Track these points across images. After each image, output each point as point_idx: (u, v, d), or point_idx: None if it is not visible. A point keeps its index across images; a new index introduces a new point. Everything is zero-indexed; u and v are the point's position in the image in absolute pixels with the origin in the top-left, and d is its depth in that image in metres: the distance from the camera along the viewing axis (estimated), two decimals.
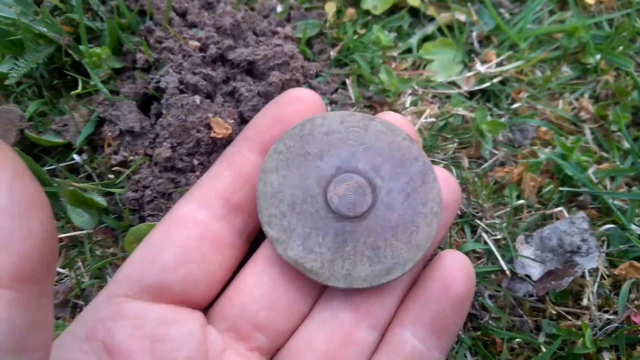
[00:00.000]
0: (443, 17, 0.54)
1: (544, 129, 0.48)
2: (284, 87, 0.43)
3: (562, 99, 0.51)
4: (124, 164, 0.41)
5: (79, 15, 0.43)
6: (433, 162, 0.45)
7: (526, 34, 0.53)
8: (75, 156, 0.42)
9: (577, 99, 0.51)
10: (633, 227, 0.42)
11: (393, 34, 0.53)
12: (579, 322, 0.39)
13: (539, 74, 0.53)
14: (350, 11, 0.53)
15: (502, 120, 0.48)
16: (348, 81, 0.49)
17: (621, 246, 0.42)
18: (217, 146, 0.40)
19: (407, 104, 0.48)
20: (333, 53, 0.51)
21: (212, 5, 0.49)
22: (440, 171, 0.32)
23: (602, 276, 0.41)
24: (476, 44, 0.54)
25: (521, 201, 0.44)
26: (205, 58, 0.44)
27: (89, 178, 0.43)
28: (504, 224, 0.43)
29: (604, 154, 0.48)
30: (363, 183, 0.31)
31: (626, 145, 0.48)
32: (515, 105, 0.50)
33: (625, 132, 0.47)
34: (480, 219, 0.43)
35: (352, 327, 0.30)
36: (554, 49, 0.53)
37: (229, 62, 0.44)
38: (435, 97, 0.50)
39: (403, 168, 0.31)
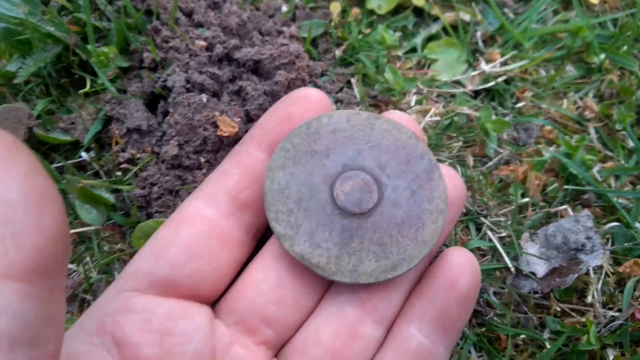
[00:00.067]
0: (447, 17, 0.54)
1: (548, 127, 0.49)
2: (289, 86, 0.43)
3: (566, 98, 0.51)
4: (132, 161, 0.42)
5: (86, 15, 0.44)
6: (438, 160, 0.45)
7: (530, 34, 0.53)
8: (83, 154, 0.43)
9: (581, 98, 0.51)
10: (637, 225, 0.43)
11: (398, 34, 0.53)
12: (583, 319, 0.39)
13: (543, 73, 0.53)
14: (355, 11, 0.54)
15: (507, 119, 0.49)
16: (353, 80, 0.49)
17: (626, 244, 0.42)
18: (224, 144, 0.41)
19: (412, 103, 0.49)
20: (338, 52, 0.51)
21: (218, 5, 0.50)
22: (445, 169, 0.32)
23: (606, 274, 0.41)
24: (480, 44, 0.54)
25: (526, 199, 0.44)
26: (211, 57, 0.44)
27: (96, 175, 0.43)
28: (509, 222, 0.43)
29: (609, 153, 0.48)
30: (369, 180, 0.31)
31: (631, 144, 0.48)
32: (519, 105, 0.50)
33: (629, 131, 0.47)
34: (485, 216, 0.43)
35: (358, 322, 0.30)
36: (558, 48, 0.53)
37: (235, 61, 0.44)
38: (440, 96, 0.50)
39: (409, 166, 0.31)
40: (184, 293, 0.30)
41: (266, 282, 0.31)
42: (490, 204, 0.44)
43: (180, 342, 0.28)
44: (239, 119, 0.41)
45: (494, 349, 0.39)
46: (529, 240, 0.42)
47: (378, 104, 0.48)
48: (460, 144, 0.47)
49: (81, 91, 0.43)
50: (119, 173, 0.42)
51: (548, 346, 0.38)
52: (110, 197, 0.40)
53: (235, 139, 0.40)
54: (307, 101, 0.32)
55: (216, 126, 0.40)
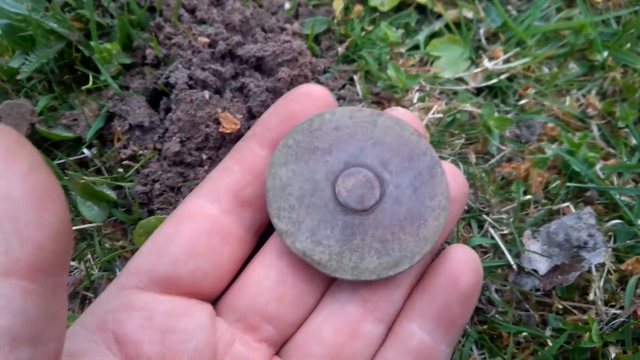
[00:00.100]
0: (450, 14, 0.54)
1: (551, 125, 0.49)
2: (292, 83, 0.43)
3: (569, 95, 0.51)
4: (134, 158, 0.42)
5: (89, 12, 0.44)
6: (440, 157, 0.45)
7: (533, 31, 0.53)
8: (85, 150, 0.43)
9: (584, 96, 0.51)
10: None
11: (400, 31, 0.53)
12: (585, 317, 0.39)
13: (546, 70, 0.53)
14: (358, 8, 0.53)
15: (509, 116, 0.49)
16: (356, 77, 0.49)
17: (628, 241, 0.42)
18: (226, 141, 0.41)
19: (415, 100, 0.49)
20: (341, 49, 0.51)
21: (221, 2, 0.50)
22: (447, 166, 0.32)
23: (608, 271, 0.41)
24: (483, 41, 0.54)
25: (528, 196, 0.44)
26: (214, 54, 0.44)
27: (98, 172, 0.43)
28: (511, 219, 0.43)
29: (611, 150, 0.48)
30: (371, 177, 0.31)
31: (633, 141, 0.48)
32: (522, 102, 0.50)
33: (632, 129, 0.47)
34: (487, 214, 0.43)
35: (360, 319, 0.30)
36: (561, 45, 0.53)
37: (238, 58, 0.44)
38: (443, 93, 0.50)
39: (411, 162, 0.31)
40: (185, 290, 0.30)
41: (267, 279, 0.31)
42: (493, 202, 0.44)
43: (181, 339, 0.28)
44: (241, 116, 0.41)
45: (496, 346, 0.39)
46: (531, 237, 0.42)
47: (380, 101, 0.48)
48: (462, 141, 0.47)
49: (84, 87, 0.44)
50: (120, 170, 0.42)
51: (550, 344, 0.38)
52: (112, 194, 0.40)
53: (237, 136, 0.40)
54: (310, 98, 0.32)
55: (218, 123, 0.40)
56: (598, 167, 0.46)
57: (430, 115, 0.47)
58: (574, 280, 0.39)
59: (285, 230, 0.30)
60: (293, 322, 0.31)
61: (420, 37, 0.53)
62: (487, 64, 0.51)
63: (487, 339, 0.39)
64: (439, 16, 0.55)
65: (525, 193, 0.45)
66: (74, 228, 0.40)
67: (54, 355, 0.19)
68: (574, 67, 0.53)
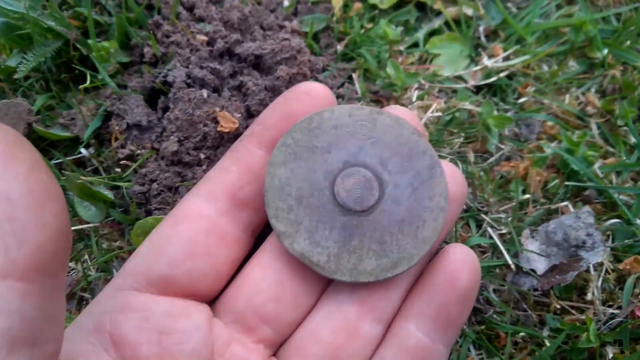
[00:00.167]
0: (450, 11, 0.54)
1: (550, 123, 0.48)
2: (291, 81, 0.43)
3: (568, 93, 0.51)
4: (131, 157, 0.42)
5: (87, 10, 0.43)
6: (439, 156, 0.45)
7: (533, 28, 0.53)
8: (82, 150, 0.42)
9: (583, 94, 0.51)
10: (638, 221, 0.42)
11: (400, 28, 0.53)
12: (583, 317, 0.39)
13: (545, 68, 0.53)
14: (357, 5, 0.53)
15: (509, 114, 0.48)
16: (355, 75, 0.49)
17: (626, 241, 0.42)
18: (224, 140, 0.41)
19: (414, 99, 0.49)
20: (340, 47, 0.51)
21: (220, 0, 0.49)
22: (446, 165, 0.32)
23: (606, 271, 0.41)
24: (483, 38, 0.54)
25: (527, 196, 0.44)
26: (212, 52, 0.44)
27: (96, 172, 0.43)
28: (510, 219, 0.43)
29: (610, 149, 0.48)
30: (370, 177, 0.31)
31: (632, 140, 0.48)
32: (521, 100, 0.50)
33: (631, 127, 0.47)
34: (486, 213, 0.43)
35: (358, 320, 0.30)
36: (561, 43, 0.53)
37: (236, 56, 0.44)
38: (442, 91, 0.50)
39: (410, 162, 0.31)
40: (183, 291, 0.30)
41: (265, 280, 0.31)
42: (491, 201, 0.44)
43: (178, 340, 0.28)
44: (240, 115, 0.41)
45: (494, 346, 0.39)
46: (529, 237, 0.42)
47: (379, 100, 0.48)
48: (461, 139, 0.47)
49: (81, 86, 0.43)
50: (118, 169, 0.42)
51: (547, 344, 0.38)
52: (109, 194, 0.40)
53: (235, 135, 0.40)
54: (309, 96, 0.32)
55: (216, 122, 0.40)
56: (597, 165, 0.46)
57: (429, 113, 0.47)
58: (572, 280, 0.39)
59: (284, 232, 0.30)
60: (291, 323, 0.31)
61: (420, 35, 0.53)
62: (486, 61, 0.51)
63: (485, 339, 0.39)
64: (438, 13, 0.55)
65: (524, 192, 0.44)
66: (71, 228, 0.40)
67: (52, 356, 0.19)
68: (573, 65, 0.53)
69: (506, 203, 0.44)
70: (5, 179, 0.17)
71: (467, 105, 0.48)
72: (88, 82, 0.44)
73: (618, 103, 0.49)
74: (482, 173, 0.45)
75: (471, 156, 0.46)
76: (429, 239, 0.30)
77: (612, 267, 0.41)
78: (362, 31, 0.52)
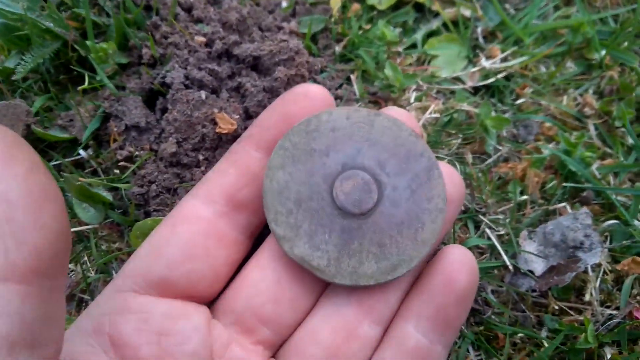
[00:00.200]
0: (448, 13, 0.54)
1: (548, 124, 0.49)
2: (289, 82, 0.43)
3: (566, 94, 0.51)
4: (130, 159, 0.42)
5: (85, 11, 0.43)
6: (437, 157, 0.45)
7: (531, 30, 0.53)
8: (81, 151, 0.42)
9: (581, 95, 0.51)
10: (636, 222, 0.43)
11: (398, 29, 0.53)
12: (581, 317, 0.40)
13: (543, 69, 0.53)
14: (355, 6, 0.53)
15: (506, 115, 0.48)
16: (353, 76, 0.49)
17: (624, 242, 0.42)
18: (223, 141, 0.41)
19: (412, 100, 0.49)
20: (338, 48, 0.51)
21: (218, 1, 0.49)
22: (444, 167, 0.32)
23: (604, 271, 0.41)
24: (481, 40, 0.54)
25: (525, 197, 0.44)
26: (210, 53, 0.44)
27: (94, 173, 0.43)
28: (508, 220, 0.43)
29: (608, 150, 0.48)
30: (369, 180, 0.31)
31: (630, 141, 0.48)
32: (519, 101, 0.50)
33: (629, 128, 0.47)
34: (484, 214, 0.43)
35: (356, 321, 0.30)
36: (559, 44, 0.53)
37: (235, 57, 0.44)
38: (440, 92, 0.50)
39: (408, 164, 0.31)
40: (182, 293, 0.30)
41: (263, 281, 0.31)
42: (489, 202, 0.44)
43: (177, 342, 0.28)
44: (238, 116, 0.41)
45: (492, 347, 0.39)
46: (527, 238, 0.42)
47: (378, 101, 0.48)
48: (459, 141, 0.47)
49: (79, 88, 0.43)
50: (117, 171, 0.42)
51: (546, 344, 0.39)
52: (108, 196, 0.40)
53: (234, 136, 0.40)
54: (307, 98, 0.32)
55: (215, 123, 0.40)
56: (594, 166, 0.46)
57: (427, 114, 0.47)
58: (570, 281, 0.39)
59: (283, 236, 0.30)
60: (289, 324, 0.31)
61: (418, 36, 0.53)
62: (484, 63, 0.51)
63: (484, 340, 0.39)
64: (436, 15, 0.55)
65: (522, 193, 0.45)
66: (71, 230, 0.40)
67: (52, 358, 0.19)
68: (571, 66, 0.53)
69: (504, 204, 0.44)
70: (4, 181, 0.17)
71: (465, 107, 0.48)
72: (86, 83, 0.44)
73: (616, 104, 0.49)
74: (480, 174, 0.45)
75: (469, 157, 0.46)
76: (428, 241, 0.30)
77: (610, 268, 0.42)
78: (361, 32, 0.52)
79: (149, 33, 0.45)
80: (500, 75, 0.51)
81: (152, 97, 0.44)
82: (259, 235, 0.34)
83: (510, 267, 0.41)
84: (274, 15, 0.50)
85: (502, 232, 0.43)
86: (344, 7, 0.53)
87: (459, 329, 0.31)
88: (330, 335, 0.30)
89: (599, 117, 0.50)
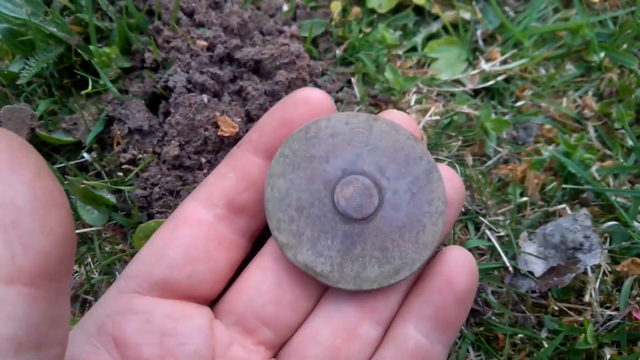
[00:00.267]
0: (448, 16, 0.54)
1: (547, 126, 0.49)
2: (290, 85, 0.43)
3: (566, 96, 0.51)
4: (133, 162, 0.42)
5: (88, 16, 0.44)
6: (437, 159, 0.45)
7: (530, 32, 0.53)
8: (85, 154, 0.43)
9: (580, 97, 0.51)
10: (636, 224, 0.43)
11: (398, 33, 0.54)
12: (581, 318, 0.40)
13: (543, 72, 0.53)
14: (356, 10, 0.54)
15: (506, 118, 0.49)
16: (353, 80, 0.50)
17: (623, 243, 0.42)
18: (225, 144, 0.41)
19: (412, 102, 0.49)
20: (339, 52, 0.51)
21: (220, 5, 0.50)
22: (444, 169, 0.32)
23: (604, 273, 0.42)
24: (481, 42, 0.54)
25: (524, 198, 0.45)
26: (212, 57, 0.44)
27: (98, 176, 0.43)
28: (508, 221, 0.43)
29: (607, 152, 0.48)
30: (369, 184, 0.31)
31: (629, 142, 0.48)
32: (519, 103, 0.50)
33: (628, 130, 0.47)
34: (484, 216, 0.44)
35: (357, 322, 0.31)
36: (558, 47, 0.54)
37: (236, 61, 0.45)
38: (440, 95, 0.51)
39: (408, 168, 0.31)
40: (183, 294, 0.30)
41: (265, 283, 0.31)
42: (489, 203, 0.44)
43: (180, 342, 0.28)
44: (240, 119, 0.41)
45: (492, 348, 0.39)
46: (527, 239, 0.42)
47: (378, 104, 0.49)
48: (459, 143, 0.47)
49: (83, 92, 0.44)
50: (120, 174, 0.42)
51: (545, 345, 0.39)
52: (111, 198, 0.40)
53: (235, 139, 0.40)
54: (306, 104, 0.32)
55: (217, 126, 0.40)
56: (594, 168, 0.46)
57: (427, 117, 0.48)
58: (570, 282, 0.39)
59: (286, 243, 0.30)
60: (290, 325, 0.31)
61: (418, 39, 0.53)
62: (484, 65, 0.52)
63: (484, 340, 0.39)
64: (436, 18, 0.55)
65: (521, 195, 0.45)
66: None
67: (57, 359, 0.19)
68: (570, 68, 0.53)
69: (504, 206, 0.45)
70: (11, 186, 0.17)
71: (465, 109, 0.48)
72: (90, 87, 0.44)
73: (615, 106, 0.50)
74: (480, 176, 0.46)
75: (469, 159, 0.47)
76: (429, 243, 0.31)
77: (609, 269, 0.42)
78: (361, 35, 0.52)
79: (152, 37, 0.46)
80: (500, 78, 0.51)
81: (155, 101, 0.44)
82: (259, 236, 0.34)
83: (510, 268, 0.41)
84: (275, 19, 0.50)
85: (502, 234, 0.43)
86: (345, 11, 0.53)
87: (459, 329, 0.31)
88: (331, 336, 0.30)
89: (599, 119, 0.50)
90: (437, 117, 0.48)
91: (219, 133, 0.40)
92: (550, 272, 0.40)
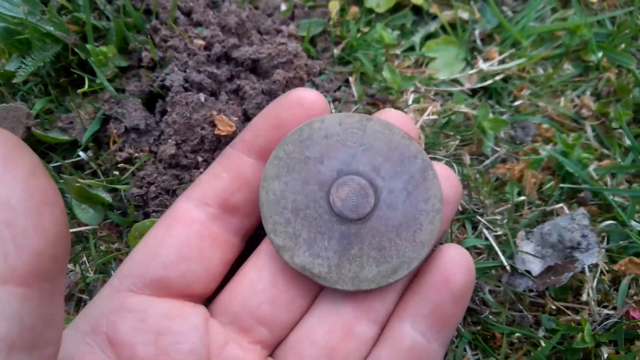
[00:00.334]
0: (446, 15, 0.54)
1: (545, 126, 0.49)
2: (287, 85, 0.43)
3: (563, 96, 0.51)
4: (129, 160, 0.42)
5: (85, 15, 0.44)
6: (435, 159, 0.45)
7: (528, 32, 0.53)
8: (81, 153, 0.43)
9: (578, 97, 0.51)
10: (633, 223, 0.43)
11: (396, 32, 0.54)
12: (578, 317, 0.40)
13: (541, 71, 0.53)
14: (354, 9, 0.54)
15: (504, 117, 0.49)
16: (351, 79, 0.50)
17: (621, 242, 0.42)
18: (221, 143, 0.41)
19: (410, 102, 0.49)
20: (336, 51, 0.51)
21: (217, 4, 0.50)
22: (440, 167, 0.32)
23: (601, 272, 0.42)
24: (479, 42, 0.54)
25: (522, 198, 0.44)
26: (210, 56, 0.44)
27: (94, 175, 0.43)
28: (505, 220, 0.43)
29: (605, 151, 0.48)
30: (365, 184, 0.31)
31: (627, 142, 0.48)
32: (517, 103, 0.50)
33: (626, 129, 0.47)
34: (482, 215, 0.44)
35: (353, 321, 0.31)
36: (556, 46, 0.54)
37: (234, 60, 0.45)
38: (438, 94, 0.51)
39: (403, 166, 0.31)
40: (178, 293, 0.30)
41: (260, 281, 0.31)
42: (487, 203, 0.44)
43: (175, 341, 0.28)
44: (237, 118, 0.41)
45: (489, 347, 0.39)
46: (524, 238, 0.42)
47: (376, 103, 0.48)
48: (457, 142, 0.47)
49: (80, 90, 0.44)
50: (116, 172, 0.42)
51: (543, 344, 0.39)
52: (107, 197, 0.40)
53: (232, 138, 0.40)
54: (300, 104, 0.32)
55: (214, 125, 0.40)
56: (592, 167, 0.46)
57: (425, 116, 0.48)
58: (567, 281, 0.39)
59: (283, 245, 0.30)
60: (286, 324, 0.31)
61: (416, 39, 0.53)
62: (482, 65, 0.52)
63: (481, 339, 0.39)
64: (434, 17, 0.55)
65: (519, 194, 0.45)
66: (70, 231, 0.40)
67: (50, 358, 0.19)
68: (568, 68, 0.53)
69: (502, 205, 0.45)
70: (5, 185, 0.17)
71: (463, 108, 0.48)
72: (86, 86, 0.44)
73: (613, 106, 0.49)
74: (477, 175, 0.46)
75: (467, 159, 0.47)
76: (427, 242, 0.30)
77: (607, 268, 0.42)
78: (359, 35, 0.52)
79: (149, 36, 0.46)
80: (497, 77, 0.51)
81: (152, 100, 0.44)
82: (254, 235, 0.34)
83: (508, 268, 0.41)
84: (273, 18, 0.50)
85: (499, 233, 0.43)
86: (343, 10, 0.53)
87: (455, 327, 0.31)
88: (327, 335, 0.30)
89: (596, 118, 0.50)
90: (435, 117, 0.48)
91: (216, 132, 0.40)
92: (547, 271, 0.40)
